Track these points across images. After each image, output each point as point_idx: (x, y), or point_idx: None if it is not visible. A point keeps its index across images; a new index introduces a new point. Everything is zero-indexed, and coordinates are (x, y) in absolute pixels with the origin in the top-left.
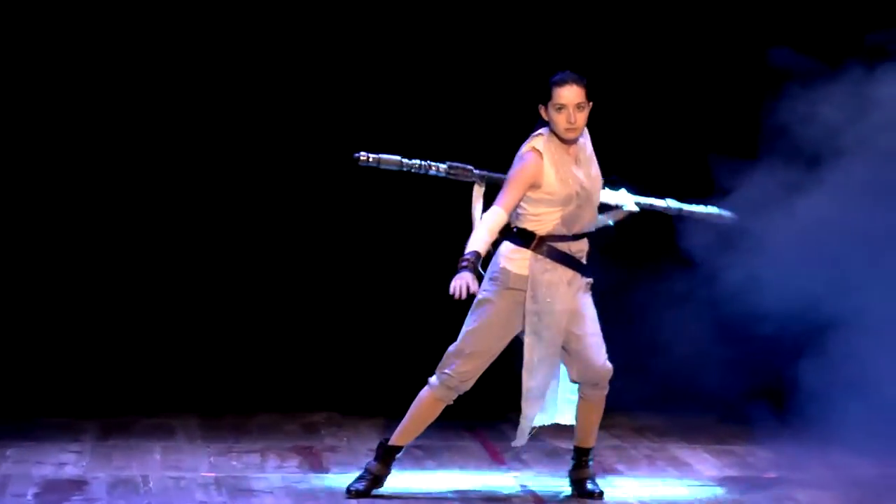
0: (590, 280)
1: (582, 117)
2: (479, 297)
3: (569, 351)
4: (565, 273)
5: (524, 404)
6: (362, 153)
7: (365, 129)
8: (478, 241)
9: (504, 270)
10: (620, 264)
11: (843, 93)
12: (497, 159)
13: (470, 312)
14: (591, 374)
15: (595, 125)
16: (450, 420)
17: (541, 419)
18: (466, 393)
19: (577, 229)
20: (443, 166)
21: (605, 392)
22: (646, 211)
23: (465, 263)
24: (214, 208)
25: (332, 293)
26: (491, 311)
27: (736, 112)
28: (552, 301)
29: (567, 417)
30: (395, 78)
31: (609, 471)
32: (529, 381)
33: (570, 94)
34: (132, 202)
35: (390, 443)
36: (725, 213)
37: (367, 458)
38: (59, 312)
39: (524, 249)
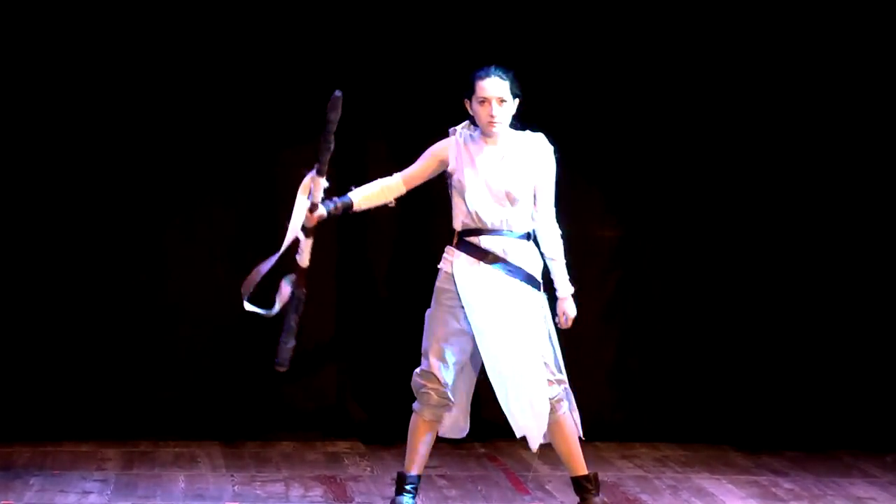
0: (534, 290)
1: (506, 111)
2: None
3: None
4: (487, 270)
5: (506, 405)
6: None
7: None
8: (359, 190)
9: (439, 270)
10: None
11: None
12: None
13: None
14: None
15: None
16: (472, 449)
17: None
18: (487, 422)
19: (488, 224)
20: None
21: (559, 414)
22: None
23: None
24: (226, 231)
25: (356, 322)
26: (431, 311)
27: None
28: (479, 296)
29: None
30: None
31: (633, 501)
32: (493, 377)
33: (491, 88)
34: (146, 226)
35: (404, 471)
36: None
37: (391, 488)
38: (83, 341)
39: (451, 248)
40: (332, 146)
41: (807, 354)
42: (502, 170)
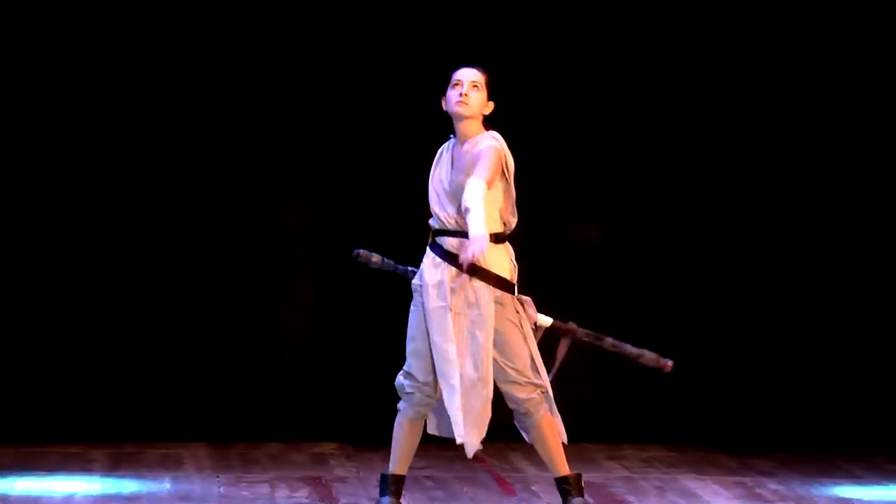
0: (501, 293)
1: (476, 98)
2: None
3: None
4: (451, 271)
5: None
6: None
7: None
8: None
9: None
10: None
11: None
12: None
13: None
14: (508, 398)
15: None
16: (459, 450)
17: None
18: None
19: (448, 225)
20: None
21: (539, 416)
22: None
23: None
24: (217, 235)
25: (342, 324)
26: (410, 310)
27: None
28: (436, 296)
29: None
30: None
31: (619, 502)
32: (441, 380)
33: (466, 73)
34: (136, 230)
35: (388, 472)
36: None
37: (377, 489)
38: (69, 341)
39: (428, 247)
40: (391, 264)
41: (793, 356)
42: (455, 170)
